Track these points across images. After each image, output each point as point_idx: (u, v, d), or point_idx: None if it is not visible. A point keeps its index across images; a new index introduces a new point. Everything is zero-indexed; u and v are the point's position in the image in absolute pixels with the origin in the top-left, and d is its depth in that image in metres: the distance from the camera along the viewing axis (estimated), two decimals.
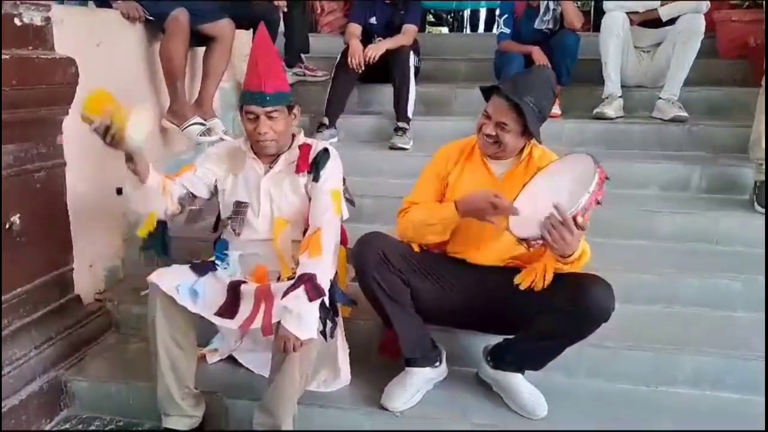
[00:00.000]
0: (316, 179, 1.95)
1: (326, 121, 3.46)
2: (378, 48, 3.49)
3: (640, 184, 2.99)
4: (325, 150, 1.99)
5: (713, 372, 2.08)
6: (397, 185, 2.86)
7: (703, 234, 2.67)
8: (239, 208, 2.02)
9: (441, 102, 3.79)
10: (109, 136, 1.74)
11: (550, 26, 3.55)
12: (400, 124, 3.37)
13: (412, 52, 3.53)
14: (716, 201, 2.85)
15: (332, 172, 1.97)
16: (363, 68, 3.47)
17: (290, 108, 1.96)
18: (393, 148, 3.30)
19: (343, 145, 3.47)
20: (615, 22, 3.39)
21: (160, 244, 2.27)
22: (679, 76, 3.36)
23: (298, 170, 1.98)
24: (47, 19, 2.13)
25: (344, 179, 2.06)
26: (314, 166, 1.96)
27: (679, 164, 3.02)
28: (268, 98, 1.88)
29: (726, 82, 3.62)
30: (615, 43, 3.41)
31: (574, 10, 3.50)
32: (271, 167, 2.00)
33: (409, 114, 3.42)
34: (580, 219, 1.60)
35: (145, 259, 2.66)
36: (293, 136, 2.05)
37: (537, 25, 3.56)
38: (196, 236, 2.63)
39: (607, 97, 3.44)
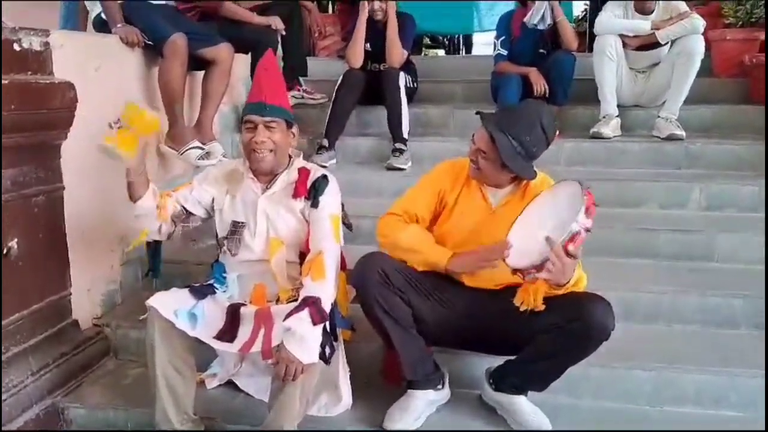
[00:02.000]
0: (315, 205, 1.94)
1: (326, 143, 3.47)
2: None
3: (639, 203, 2.99)
4: (324, 176, 1.99)
5: (716, 390, 2.07)
6: None
7: (703, 252, 2.67)
8: (236, 228, 2.01)
9: (438, 123, 3.80)
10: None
11: (549, 22, 3.52)
12: (397, 145, 3.38)
13: (402, 73, 3.55)
14: (716, 219, 2.86)
15: (331, 199, 1.96)
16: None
17: (289, 125, 1.97)
18: (390, 168, 3.31)
19: (342, 166, 3.49)
20: (606, 44, 3.41)
21: (153, 264, 2.28)
22: (679, 95, 3.37)
23: (296, 194, 1.97)
24: (46, 44, 2.14)
25: (342, 204, 2.05)
26: (312, 192, 1.95)
27: (678, 182, 3.02)
28: (267, 108, 1.90)
29: (722, 100, 3.64)
30: (608, 65, 3.43)
31: (571, 31, 3.54)
32: (268, 187, 2.00)
33: (405, 134, 3.43)
34: (571, 248, 1.60)
35: (143, 283, 2.66)
36: (290, 158, 2.05)
37: (529, 19, 3.52)
38: (193, 259, 2.63)
39: (604, 117, 3.46)
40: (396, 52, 3.57)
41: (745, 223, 2.77)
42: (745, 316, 2.34)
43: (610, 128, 3.42)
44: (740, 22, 3.88)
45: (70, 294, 2.30)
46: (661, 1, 3.45)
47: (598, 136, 3.40)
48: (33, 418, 2.01)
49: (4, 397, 1.95)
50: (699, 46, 3.29)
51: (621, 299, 2.35)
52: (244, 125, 1.94)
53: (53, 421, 2.09)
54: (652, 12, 3.46)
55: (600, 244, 2.60)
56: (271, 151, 1.92)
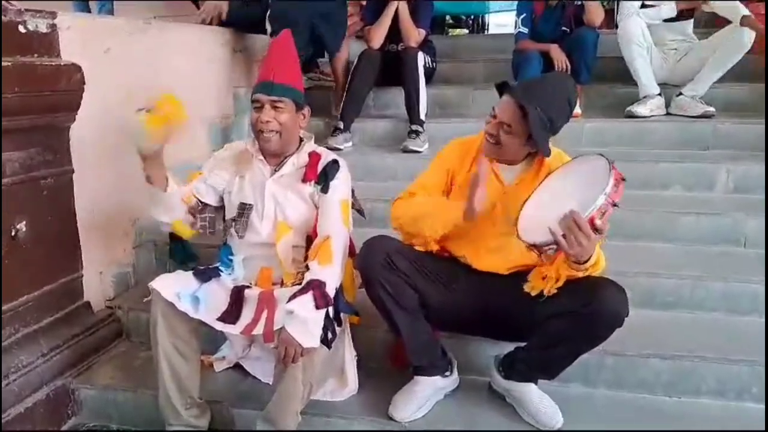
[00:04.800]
0: (324, 191, 1.89)
1: (341, 125, 3.42)
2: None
3: (664, 185, 2.88)
4: (335, 161, 1.93)
5: (737, 381, 1.98)
6: None
7: (730, 236, 2.56)
8: (243, 210, 1.98)
9: (457, 104, 3.72)
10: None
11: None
12: (413, 127, 3.32)
13: (421, 53, 3.47)
14: (743, 201, 2.73)
15: (342, 184, 1.92)
16: None
17: (299, 106, 1.91)
18: (405, 151, 3.25)
19: (358, 149, 3.44)
20: (633, 32, 3.30)
21: (182, 253, 2.27)
22: (711, 79, 3.27)
23: (305, 179, 1.92)
24: (53, 26, 2.13)
25: (353, 190, 2.00)
26: (323, 177, 1.90)
27: (705, 163, 2.90)
28: (274, 87, 1.85)
29: (752, 77, 3.46)
30: (638, 51, 3.32)
31: (597, 6, 3.40)
32: (276, 170, 1.96)
33: (422, 116, 3.35)
34: (598, 222, 1.51)
35: (158, 266, 2.67)
36: (301, 140, 2.01)
37: None
38: (204, 242, 2.61)
39: (645, 97, 3.35)
40: (412, 33, 3.50)
41: None
42: None
43: (647, 107, 3.32)
44: None
45: (82, 276, 2.31)
46: None
47: (631, 116, 3.30)
48: (43, 399, 2.03)
49: (13, 377, 1.97)
50: (747, 42, 3.17)
51: (642, 284, 2.29)
52: (252, 104, 1.90)
53: (63, 401, 2.11)
54: None
55: (622, 226, 2.51)
56: (277, 132, 1.87)
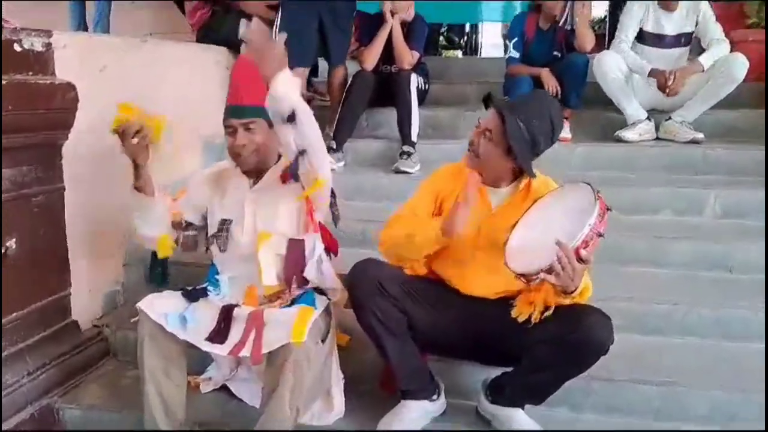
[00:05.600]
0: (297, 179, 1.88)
1: (334, 145, 3.43)
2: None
3: (654, 209, 2.89)
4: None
5: (729, 407, 1.97)
6: None
7: (718, 261, 2.57)
8: (223, 225, 1.99)
9: (449, 126, 3.74)
10: (140, 137, 1.85)
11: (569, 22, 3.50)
12: (405, 148, 3.34)
13: (415, 75, 3.50)
14: (732, 227, 2.75)
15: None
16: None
17: (271, 123, 1.92)
18: (397, 171, 3.26)
19: (350, 168, 3.45)
20: (607, 63, 3.33)
21: (160, 273, 2.27)
22: (702, 107, 3.30)
23: (284, 179, 1.94)
24: (48, 45, 2.14)
25: (334, 193, 2.00)
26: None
27: (694, 188, 2.92)
28: (244, 110, 1.87)
29: (741, 104, 3.50)
30: (614, 82, 3.35)
31: (587, 32, 3.45)
32: (256, 183, 1.98)
33: (414, 138, 3.38)
34: (583, 252, 1.53)
35: (147, 284, 2.66)
36: (280, 156, 2.01)
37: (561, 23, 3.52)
38: (195, 261, 2.61)
39: (633, 123, 3.38)
40: (405, 56, 3.53)
41: (763, 233, 2.66)
42: (762, 329, 2.24)
43: (636, 132, 3.34)
44: (762, 23, 3.76)
45: (70, 294, 2.30)
46: (684, 1, 3.36)
47: (619, 140, 3.33)
48: (27, 419, 2.01)
49: None
50: (742, 70, 3.20)
51: (632, 309, 2.29)
52: (225, 130, 1.92)
53: (48, 421, 2.09)
54: (675, 10, 3.37)
55: (612, 251, 2.52)
56: (254, 151, 1.89)
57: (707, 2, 3.37)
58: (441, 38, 6.77)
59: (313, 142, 1.75)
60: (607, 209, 1.58)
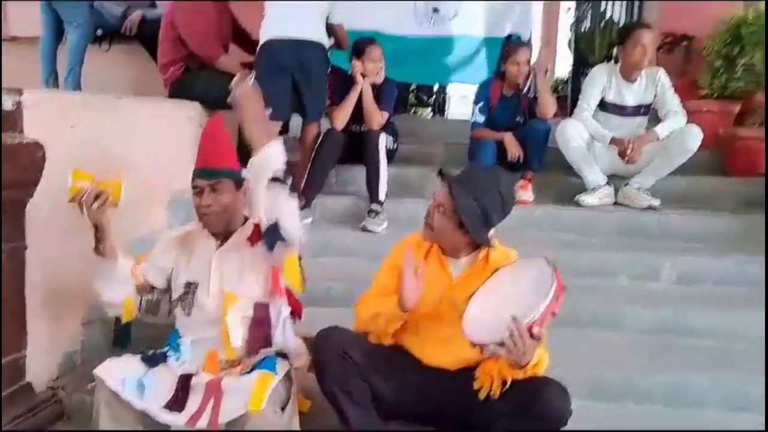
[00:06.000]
0: (271, 248, 1.87)
1: (302, 201, 3.46)
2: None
3: (611, 274, 2.98)
4: (275, 224, 1.94)
5: None
6: (369, 268, 2.83)
7: (674, 327, 2.64)
8: (189, 288, 1.99)
9: (417, 185, 3.81)
10: (100, 201, 1.85)
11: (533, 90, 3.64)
12: (373, 207, 3.39)
13: (384, 135, 3.60)
14: (687, 293, 2.84)
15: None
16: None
17: (238, 184, 1.95)
18: (365, 230, 3.31)
19: (318, 225, 3.46)
20: (569, 131, 3.47)
21: (124, 334, 2.24)
22: (658, 175, 3.45)
23: (252, 241, 1.95)
24: (18, 104, 2.15)
25: (300, 257, 2.02)
26: (267, 234, 1.86)
27: (650, 254, 3.03)
28: (211, 171, 1.91)
29: (696, 171, 3.67)
30: (576, 149, 3.48)
31: (549, 100, 3.60)
32: (222, 244, 1.99)
33: (382, 197, 3.44)
34: (536, 329, 1.58)
35: (107, 345, 2.61)
36: (247, 218, 2.03)
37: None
38: (161, 322, 2.58)
39: (593, 189, 3.50)
40: (375, 116, 3.63)
41: (718, 299, 2.76)
42: (715, 396, 2.30)
43: (596, 197, 3.46)
44: (715, 94, 3.96)
45: (25, 356, 2.24)
46: (644, 70, 3.55)
47: (579, 204, 3.44)
48: None
49: None
50: (696, 141, 3.36)
51: (588, 376, 2.32)
52: (193, 190, 1.95)
53: None
54: (635, 81, 3.55)
55: (570, 315, 2.55)
56: (220, 212, 1.92)
57: (666, 74, 3.55)
58: (411, 96, 6.97)
59: (290, 229, 1.80)
60: (563, 288, 1.63)
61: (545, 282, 1.63)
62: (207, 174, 1.90)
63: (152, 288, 2.05)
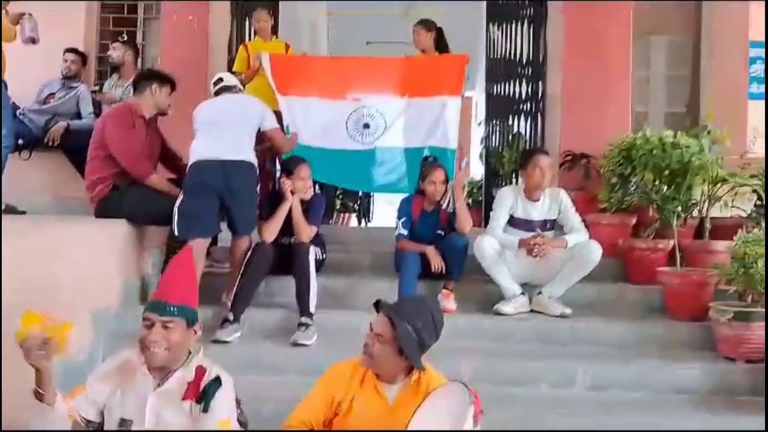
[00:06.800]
0: (205, 410, 1.93)
1: (231, 316, 3.47)
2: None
3: (531, 382, 3.13)
4: (217, 379, 1.99)
5: None
6: (300, 385, 2.84)
7: None
8: (123, 425, 1.96)
9: (346, 294, 3.92)
10: (45, 348, 1.82)
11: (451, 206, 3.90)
12: (303, 320, 3.45)
13: (313, 247, 3.74)
14: (600, 399, 3.02)
15: (222, 402, 1.96)
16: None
17: (190, 323, 2.00)
18: (295, 344, 3.34)
19: (246, 339, 3.45)
20: (485, 246, 3.70)
21: None
22: (565, 284, 3.71)
23: (186, 396, 1.96)
24: None
25: (239, 401, 2.06)
26: (203, 396, 1.95)
27: (564, 361, 3.22)
28: (168, 308, 1.93)
29: (600, 279, 3.95)
30: (491, 260, 3.70)
31: (466, 217, 3.87)
32: (160, 384, 1.98)
33: (311, 309, 3.52)
34: None
35: None
36: (190, 353, 2.06)
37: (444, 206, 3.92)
38: None
39: (508, 297, 3.70)
40: (304, 230, 3.78)
41: (629, 405, 2.95)
42: None
43: (512, 306, 3.65)
44: (613, 208, 4.37)
45: None
46: (548, 190, 3.90)
47: (498, 313, 3.63)
48: None
49: None
50: (597, 256, 3.66)
51: None
52: (143, 321, 1.96)
53: None
54: (539, 200, 3.88)
55: (496, 425, 2.68)
56: (165, 349, 1.93)
57: (567, 195, 3.92)
58: (337, 202, 7.23)
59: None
60: (481, 412, 1.78)
61: (464, 407, 1.79)
62: (162, 308, 1.93)
63: (88, 422, 1.99)
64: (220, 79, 3.93)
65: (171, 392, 1.98)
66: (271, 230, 3.76)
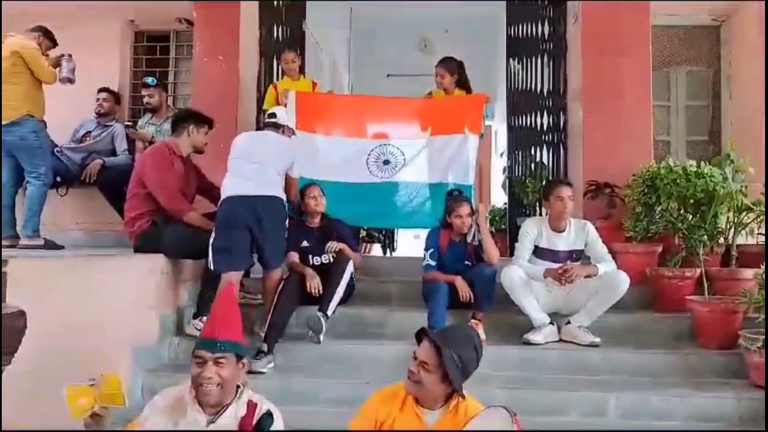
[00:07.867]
0: None
1: (265, 348, 3.54)
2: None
3: (562, 411, 3.15)
4: (269, 414, 2.07)
5: None
6: (331, 415, 2.92)
7: None
8: None
9: (375, 323, 3.97)
10: (107, 412, 2.02)
11: (477, 238, 3.99)
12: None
13: (351, 263, 3.93)
14: (633, 429, 3.03)
15: None
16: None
17: (239, 357, 2.08)
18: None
19: (280, 371, 3.51)
20: (513, 276, 3.75)
21: None
22: (594, 314, 3.74)
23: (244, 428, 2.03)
24: (4, 273, 2.26)
25: None
26: (258, 429, 2.02)
27: (596, 391, 3.22)
28: (218, 344, 2.02)
29: (628, 307, 3.98)
30: (519, 290, 3.75)
31: (492, 246, 3.95)
32: (213, 420, 2.05)
33: (329, 311, 3.71)
34: None
35: None
36: (238, 387, 2.13)
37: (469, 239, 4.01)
38: None
39: (538, 327, 3.73)
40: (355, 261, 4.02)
41: None
42: None
43: (542, 336, 3.68)
44: (639, 237, 4.39)
45: None
46: (573, 221, 3.96)
47: (528, 342, 3.65)
48: None
49: None
50: (625, 286, 3.69)
51: None
52: (194, 358, 2.04)
53: None
54: (564, 230, 3.93)
55: None
56: (218, 385, 2.01)
57: (593, 227, 3.96)
58: (362, 232, 7.33)
59: None
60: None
61: (505, 427, 1.87)
62: (212, 345, 2.02)
63: None
64: (274, 114, 4.08)
65: (224, 427, 2.04)
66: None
